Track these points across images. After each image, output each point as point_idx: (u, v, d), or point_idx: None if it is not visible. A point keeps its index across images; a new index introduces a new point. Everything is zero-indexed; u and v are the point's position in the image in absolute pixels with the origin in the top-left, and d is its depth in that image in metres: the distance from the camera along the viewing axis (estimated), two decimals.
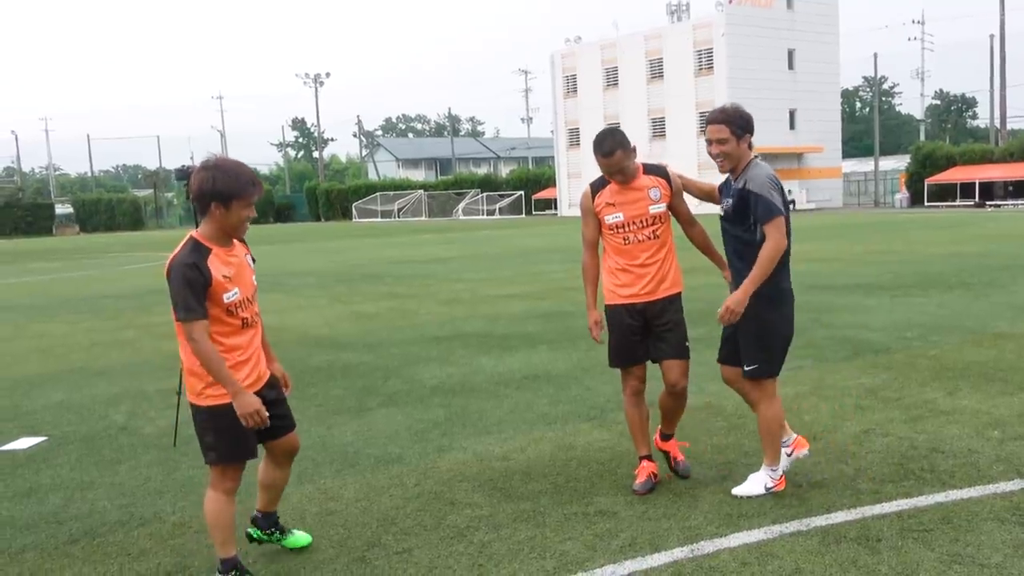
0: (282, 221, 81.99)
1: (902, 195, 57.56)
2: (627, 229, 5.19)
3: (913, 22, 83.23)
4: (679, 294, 5.35)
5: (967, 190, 52.76)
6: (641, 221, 5.17)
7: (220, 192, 3.97)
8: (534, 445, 6.25)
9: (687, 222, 5.41)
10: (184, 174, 6.71)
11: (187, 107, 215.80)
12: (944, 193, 54.25)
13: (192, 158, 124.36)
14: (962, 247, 21.40)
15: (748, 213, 4.91)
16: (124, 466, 6.28)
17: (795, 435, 5.33)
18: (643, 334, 5.28)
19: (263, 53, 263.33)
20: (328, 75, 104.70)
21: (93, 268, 28.61)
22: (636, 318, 5.25)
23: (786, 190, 5.06)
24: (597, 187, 5.30)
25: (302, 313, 14.29)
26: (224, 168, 4.02)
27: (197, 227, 4.18)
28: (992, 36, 59.01)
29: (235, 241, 4.21)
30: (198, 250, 4.01)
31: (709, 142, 5.03)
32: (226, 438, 4.13)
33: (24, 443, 7.01)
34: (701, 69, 58.92)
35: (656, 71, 61.77)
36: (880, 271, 16.27)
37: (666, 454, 5.56)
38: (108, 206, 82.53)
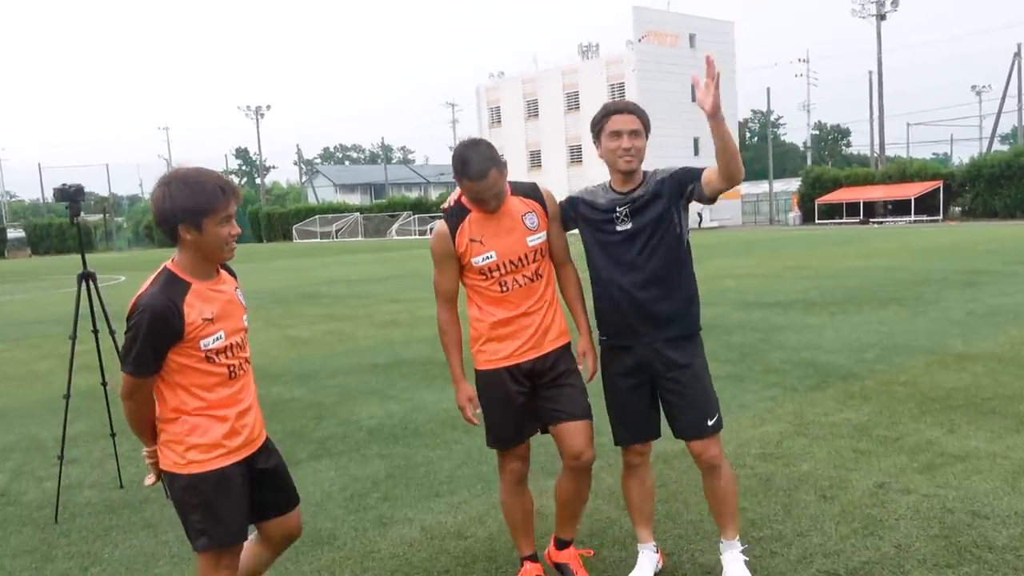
0: None
1: (795, 214, 57.74)
2: (502, 271, 3.52)
3: (799, 60, 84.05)
4: (569, 345, 3.71)
5: (852, 209, 53.11)
6: (520, 259, 3.52)
7: (184, 210, 2.74)
8: (494, 513, 4.68)
9: (559, 261, 3.72)
10: (64, 194, 5.00)
11: (135, 137, 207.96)
12: (832, 211, 54.50)
13: (141, 186, 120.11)
14: (869, 261, 20.46)
15: (674, 205, 3.56)
16: None
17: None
18: (528, 402, 3.64)
19: (207, 87, 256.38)
20: (269, 107, 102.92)
21: (35, 291, 26.00)
22: (522, 383, 3.60)
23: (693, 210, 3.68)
24: (454, 221, 3.55)
25: None
26: (183, 179, 2.76)
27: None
28: (871, 72, 59.45)
29: (222, 271, 2.99)
30: (172, 287, 2.79)
31: (616, 134, 3.47)
32: (220, 514, 2.88)
33: None
34: (614, 99, 58.23)
35: (573, 103, 60.97)
36: (805, 287, 15.08)
37: (561, 570, 3.88)
38: (59, 230, 77.95)
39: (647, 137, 3.57)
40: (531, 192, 3.63)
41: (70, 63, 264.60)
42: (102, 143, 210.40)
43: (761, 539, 4.12)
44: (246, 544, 3.10)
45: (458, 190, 3.56)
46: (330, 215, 76.59)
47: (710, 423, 3.58)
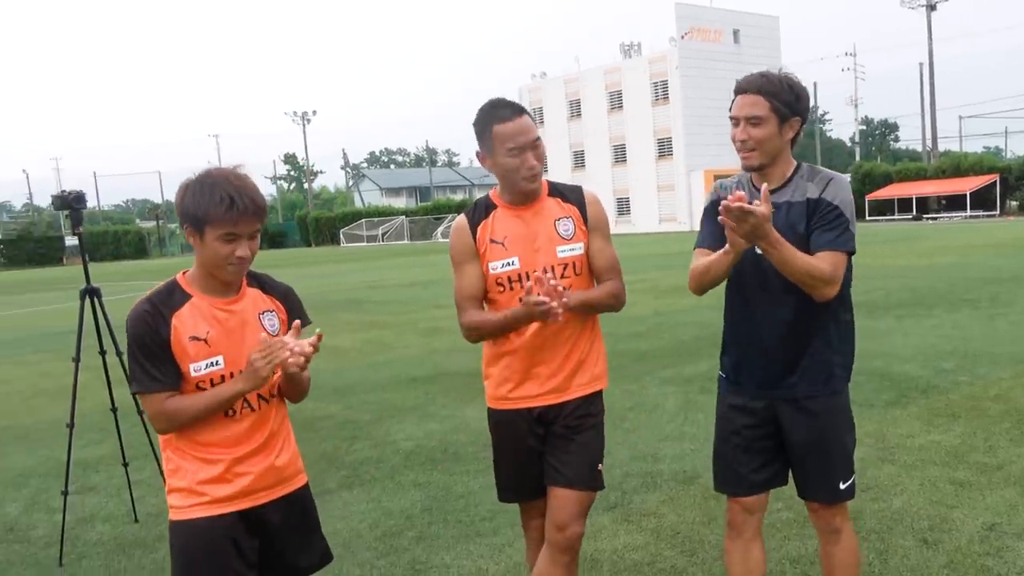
0: (275, 247, 79.39)
1: None
2: (524, 283, 2.80)
3: (846, 54, 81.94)
4: (600, 393, 3.01)
5: (904, 205, 51.40)
6: (546, 272, 2.83)
7: (189, 214, 2.37)
8: None
9: (603, 280, 2.97)
10: (64, 202, 4.52)
11: (187, 144, 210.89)
12: (883, 208, 52.82)
13: None
14: (931, 259, 19.41)
15: (805, 237, 2.70)
16: None
17: None
18: (543, 454, 2.98)
19: (255, 93, 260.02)
20: (315, 113, 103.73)
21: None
22: (535, 429, 2.95)
23: None
24: (477, 216, 2.95)
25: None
26: (203, 179, 2.38)
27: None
28: (921, 64, 57.68)
29: (247, 288, 2.51)
30: (166, 296, 2.43)
31: (735, 121, 2.74)
32: (191, 566, 2.42)
33: None
34: (657, 99, 57.15)
35: (616, 102, 59.98)
36: (867, 287, 14.18)
37: None
38: (114, 237, 79.05)
39: (788, 119, 2.72)
40: (572, 195, 2.99)
41: (125, 72, 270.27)
42: (156, 149, 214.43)
43: None
44: None
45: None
46: (376, 218, 76.63)
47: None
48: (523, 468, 2.99)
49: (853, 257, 2.80)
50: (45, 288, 32.78)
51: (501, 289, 2.90)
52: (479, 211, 2.96)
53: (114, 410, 4.97)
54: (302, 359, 2.34)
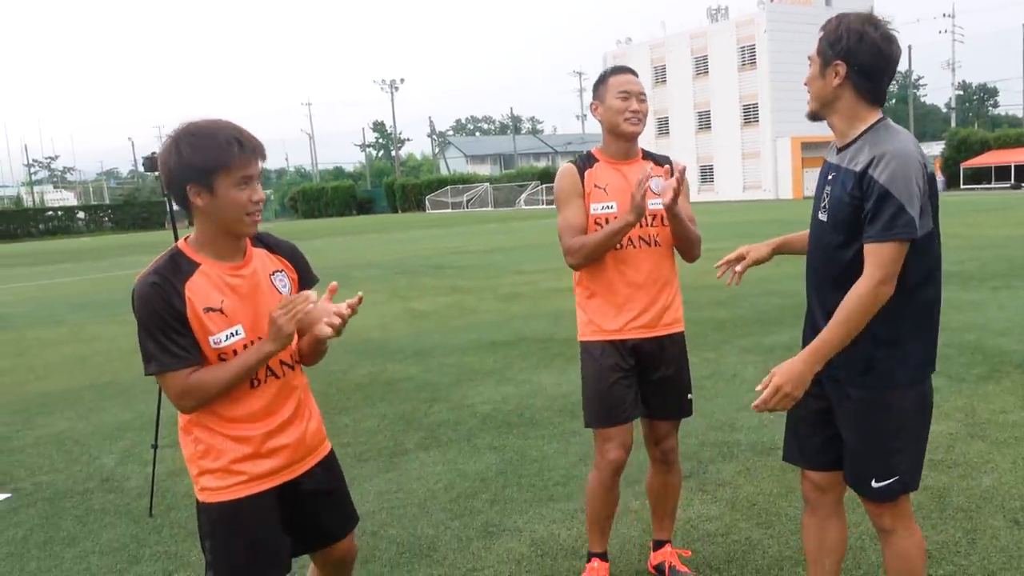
0: (364, 213, 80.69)
1: (940, 179, 53.87)
2: None
3: (943, 15, 78.08)
4: (682, 333, 3.37)
5: (1002, 173, 48.93)
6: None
7: (194, 169, 2.16)
8: (616, 526, 4.01)
9: (684, 240, 3.27)
10: (153, 164, 4.58)
11: (280, 113, 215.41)
12: (979, 176, 50.43)
13: (287, 159, 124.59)
14: None
15: (856, 215, 2.38)
16: (74, 551, 4.19)
17: None
18: (633, 381, 3.27)
19: (345, 62, 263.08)
20: (403, 81, 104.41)
21: None
22: (627, 359, 3.23)
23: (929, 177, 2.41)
24: (583, 164, 3.30)
25: (358, 312, 12.12)
26: (192, 131, 2.19)
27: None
28: None
29: (252, 249, 2.35)
30: (172, 267, 2.22)
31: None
32: (231, 554, 2.31)
33: None
34: (744, 64, 55.54)
35: (702, 67, 58.52)
36: (960, 257, 13.56)
37: (662, 568, 3.48)
38: None
39: (831, 63, 2.41)
40: (662, 159, 3.34)
41: (223, 42, 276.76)
42: (252, 119, 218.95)
43: None
44: None
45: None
46: (461, 185, 76.93)
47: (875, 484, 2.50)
48: (614, 390, 3.22)
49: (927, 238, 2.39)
50: (147, 251, 34.04)
51: (598, 228, 3.19)
52: (585, 160, 3.31)
53: None
54: (339, 321, 2.25)
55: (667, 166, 3.20)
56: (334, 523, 2.55)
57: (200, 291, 2.22)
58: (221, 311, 2.24)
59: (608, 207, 3.20)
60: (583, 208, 3.22)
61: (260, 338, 2.27)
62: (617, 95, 3.16)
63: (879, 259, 2.31)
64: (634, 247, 3.19)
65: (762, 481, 4.45)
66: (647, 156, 3.34)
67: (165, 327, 2.17)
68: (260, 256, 2.39)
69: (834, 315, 2.36)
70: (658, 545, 3.53)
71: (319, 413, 2.57)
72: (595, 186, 3.23)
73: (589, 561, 3.44)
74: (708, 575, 3.48)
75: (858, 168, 2.36)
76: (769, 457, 4.77)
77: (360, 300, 2.33)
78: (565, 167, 3.29)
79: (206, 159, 2.16)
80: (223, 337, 2.24)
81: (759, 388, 2.41)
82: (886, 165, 2.31)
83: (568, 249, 3.20)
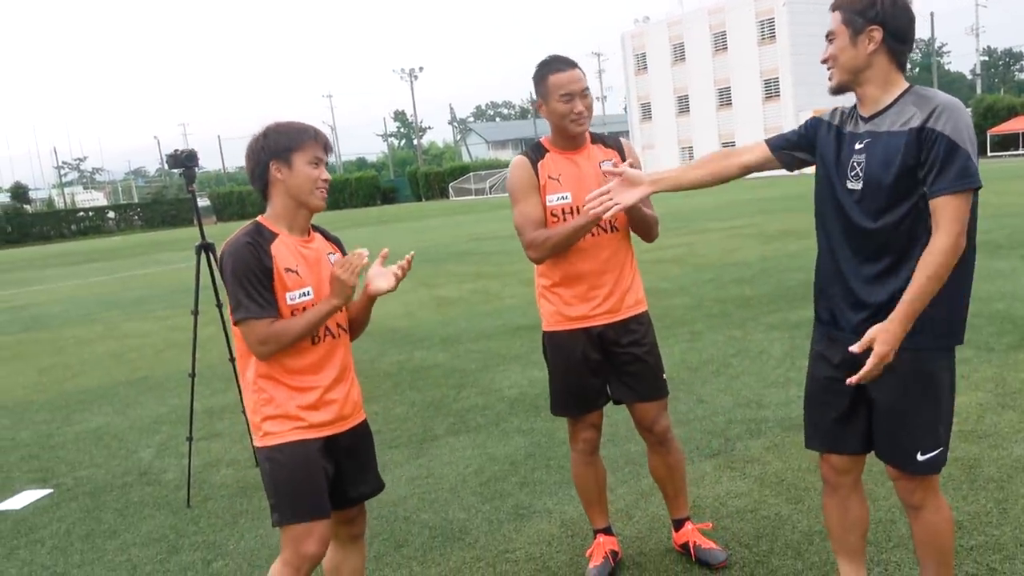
0: (387, 203, 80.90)
1: None
2: (575, 216, 3.15)
3: None
4: (647, 313, 3.34)
5: None
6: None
7: (278, 147, 2.60)
8: (643, 504, 4.04)
9: (643, 225, 3.23)
10: (177, 161, 4.64)
11: (302, 106, 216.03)
12: (1007, 143, 49.58)
13: None
14: None
15: (909, 175, 2.32)
16: (115, 543, 4.28)
17: None
18: (602, 369, 3.28)
19: (364, 52, 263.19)
20: (422, 69, 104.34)
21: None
22: (593, 348, 3.24)
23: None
24: (535, 156, 3.24)
25: (385, 300, 12.20)
26: (278, 123, 2.68)
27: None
28: None
29: (313, 233, 2.74)
30: (256, 234, 2.60)
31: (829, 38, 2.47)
32: (292, 490, 2.58)
33: (23, 499, 5.10)
34: (764, 39, 54.90)
35: (720, 44, 57.92)
36: (988, 226, 13.30)
37: (688, 547, 3.48)
38: (239, 198, 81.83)
39: (863, 30, 2.37)
40: (612, 143, 3.33)
41: (244, 39, 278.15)
42: (275, 113, 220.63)
43: (974, 549, 3.27)
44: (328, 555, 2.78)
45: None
46: (483, 172, 76.86)
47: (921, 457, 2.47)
48: (579, 381, 3.26)
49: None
50: (175, 248, 34.43)
51: (555, 220, 3.18)
52: (536, 151, 3.26)
53: (232, 360, 5.14)
54: (394, 278, 2.69)
55: (617, 157, 3.22)
56: (357, 486, 2.77)
57: (281, 254, 2.57)
58: (297, 272, 2.58)
59: (563, 197, 3.16)
60: (540, 201, 3.19)
61: (333, 318, 2.63)
62: (560, 98, 3.09)
63: (955, 212, 2.26)
64: (593, 235, 3.16)
65: (791, 457, 4.44)
66: (596, 140, 3.30)
67: (255, 280, 2.50)
68: (318, 238, 2.76)
69: (916, 274, 2.29)
70: (678, 524, 3.53)
71: (359, 384, 2.80)
72: (549, 177, 3.19)
73: (595, 538, 3.50)
74: (738, 551, 3.48)
75: (913, 125, 2.31)
76: (797, 433, 4.75)
77: (410, 262, 2.71)
78: (517, 159, 3.26)
79: (289, 139, 2.59)
80: (297, 295, 2.57)
81: (855, 349, 2.33)
82: (948, 117, 2.27)
83: (530, 243, 3.18)
